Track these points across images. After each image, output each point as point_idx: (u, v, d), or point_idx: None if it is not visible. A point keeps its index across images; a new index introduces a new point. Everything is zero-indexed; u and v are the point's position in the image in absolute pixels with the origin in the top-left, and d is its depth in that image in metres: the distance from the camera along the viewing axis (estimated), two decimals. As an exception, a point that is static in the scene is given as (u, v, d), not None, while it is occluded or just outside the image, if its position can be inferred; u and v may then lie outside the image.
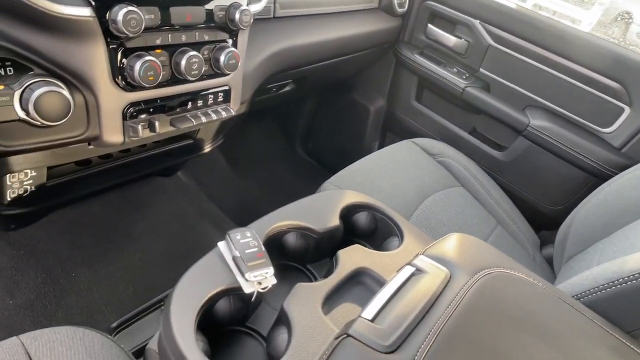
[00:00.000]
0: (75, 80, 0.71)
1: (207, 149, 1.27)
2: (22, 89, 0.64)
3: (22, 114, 0.66)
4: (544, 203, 1.45)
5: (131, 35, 0.68)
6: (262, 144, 2.06)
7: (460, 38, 1.54)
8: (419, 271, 0.65)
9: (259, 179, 1.88)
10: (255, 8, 0.89)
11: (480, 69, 1.52)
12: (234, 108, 0.96)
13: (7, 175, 0.86)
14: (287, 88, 1.38)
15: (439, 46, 1.60)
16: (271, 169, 1.99)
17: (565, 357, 0.55)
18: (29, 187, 0.91)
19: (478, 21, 1.48)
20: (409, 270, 0.65)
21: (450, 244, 0.70)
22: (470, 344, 0.54)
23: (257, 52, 1.03)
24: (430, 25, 1.60)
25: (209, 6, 0.79)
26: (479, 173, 1.41)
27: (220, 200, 1.56)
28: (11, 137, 0.67)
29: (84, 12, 0.65)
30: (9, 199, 0.89)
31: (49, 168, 0.94)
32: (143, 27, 0.68)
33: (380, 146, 1.93)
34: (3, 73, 0.64)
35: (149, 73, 0.72)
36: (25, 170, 0.87)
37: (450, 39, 1.55)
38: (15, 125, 0.67)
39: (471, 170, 1.41)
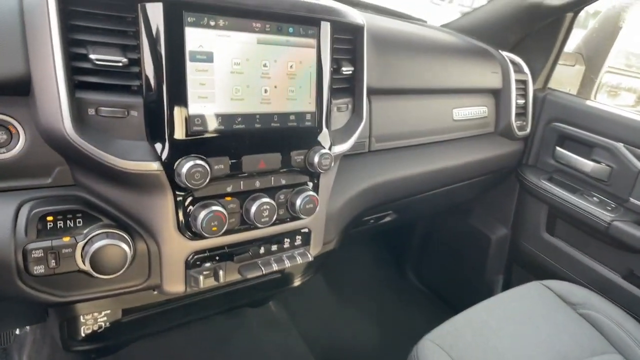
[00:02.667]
0: (141, 228, 0.69)
1: (297, 282, 1.18)
2: (85, 241, 0.64)
3: (81, 265, 0.64)
4: None
5: (194, 187, 0.65)
6: (369, 267, 1.92)
7: (600, 163, 1.29)
8: None
9: (362, 308, 1.71)
10: (340, 149, 0.83)
11: (631, 198, 1.23)
12: (314, 251, 0.86)
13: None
14: (388, 218, 1.27)
15: (573, 171, 1.37)
16: (377, 296, 1.82)
17: None
18: (103, 324, 0.90)
19: (621, 144, 1.23)
20: None
21: None
22: None
23: (346, 189, 0.95)
24: (559, 149, 1.39)
25: (285, 151, 0.74)
26: (640, 336, 1.06)
27: (311, 335, 1.42)
28: (68, 287, 0.66)
29: (153, 166, 0.64)
30: (83, 334, 0.89)
31: (124, 306, 0.93)
32: (209, 179, 0.65)
33: (506, 281, 1.64)
34: (72, 225, 0.65)
35: (212, 224, 0.68)
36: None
37: (586, 164, 1.31)
38: (75, 275, 0.65)
39: (629, 330, 1.08)
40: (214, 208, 0.68)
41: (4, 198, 0.63)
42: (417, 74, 1.07)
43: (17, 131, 0.64)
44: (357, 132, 0.86)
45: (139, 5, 0.60)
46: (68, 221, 0.65)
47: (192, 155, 0.65)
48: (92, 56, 0.60)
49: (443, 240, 1.82)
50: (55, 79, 0.57)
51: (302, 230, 0.84)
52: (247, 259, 0.78)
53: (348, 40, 0.85)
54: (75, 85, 0.60)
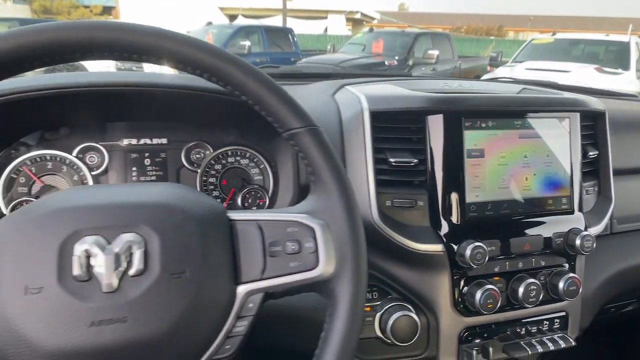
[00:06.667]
0: (422, 304, 0.79)
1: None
2: (382, 312, 0.76)
3: (379, 333, 0.75)
4: None
5: (475, 266, 0.73)
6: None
7: None
8: None
9: None
10: (595, 231, 0.84)
11: None
12: (573, 336, 0.85)
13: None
14: (630, 307, 1.16)
15: None
16: None
17: None
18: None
19: None
20: None
21: None
22: None
23: (596, 273, 0.93)
24: None
25: (546, 233, 0.79)
26: None
27: None
28: (368, 351, 0.77)
29: (437, 247, 0.75)
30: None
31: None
32: (487, 259, 0.73)
33: None
34: (370, 297, 0.78)
35: (488, 301, 0.74)
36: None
37: None
38: (372, 341, 0.77)
39: None
40: (489, 286, 0.75)
41: None
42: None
43: None
44: (608, 213, 0.87)
45: (426, 117, 0.76)
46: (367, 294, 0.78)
47: (471, 238, 0.74)
48: (390, 159, 0.75)
49: None
50: (367, 180, 0.74)
51: (560, 314, 0.85)
52: (510, 339, 0.81)
53: (590, 126, 0.90)
54: (376, 183, 0.77)
